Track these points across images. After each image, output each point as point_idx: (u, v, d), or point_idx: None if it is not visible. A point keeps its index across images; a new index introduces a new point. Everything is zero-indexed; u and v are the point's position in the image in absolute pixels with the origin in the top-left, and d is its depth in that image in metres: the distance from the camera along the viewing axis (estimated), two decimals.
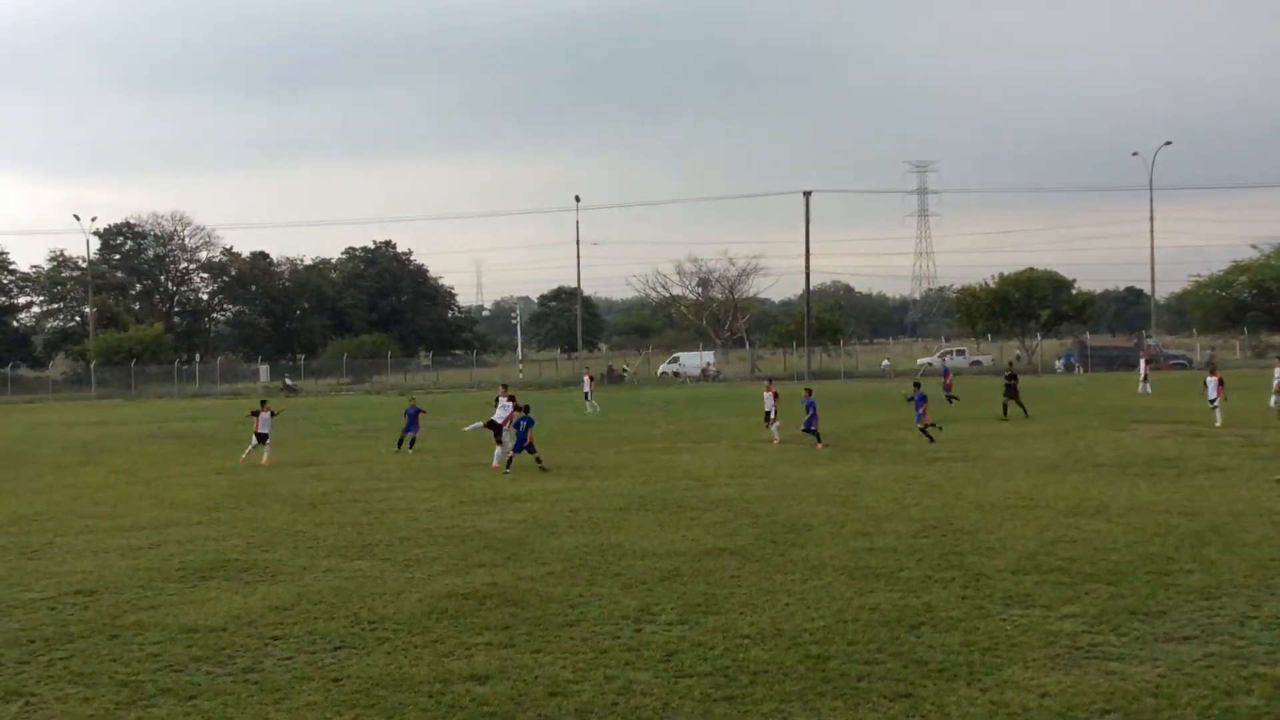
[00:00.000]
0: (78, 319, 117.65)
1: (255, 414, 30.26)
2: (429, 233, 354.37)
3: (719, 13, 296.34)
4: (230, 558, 16.01)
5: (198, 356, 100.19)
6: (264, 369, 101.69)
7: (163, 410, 65.03)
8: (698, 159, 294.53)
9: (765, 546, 15.67)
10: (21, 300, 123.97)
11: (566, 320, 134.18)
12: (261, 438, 30.15)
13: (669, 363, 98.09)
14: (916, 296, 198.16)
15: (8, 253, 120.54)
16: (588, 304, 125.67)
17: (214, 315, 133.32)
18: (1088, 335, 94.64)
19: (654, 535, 16.82)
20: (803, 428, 30.79)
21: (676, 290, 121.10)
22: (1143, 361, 53.63)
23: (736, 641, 10.79)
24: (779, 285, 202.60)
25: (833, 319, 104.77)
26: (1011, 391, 38.21)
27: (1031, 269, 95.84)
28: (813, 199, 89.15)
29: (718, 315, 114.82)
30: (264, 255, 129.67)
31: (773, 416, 32.06)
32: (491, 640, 11.10)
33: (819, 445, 29.54)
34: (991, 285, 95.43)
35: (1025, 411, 37.78)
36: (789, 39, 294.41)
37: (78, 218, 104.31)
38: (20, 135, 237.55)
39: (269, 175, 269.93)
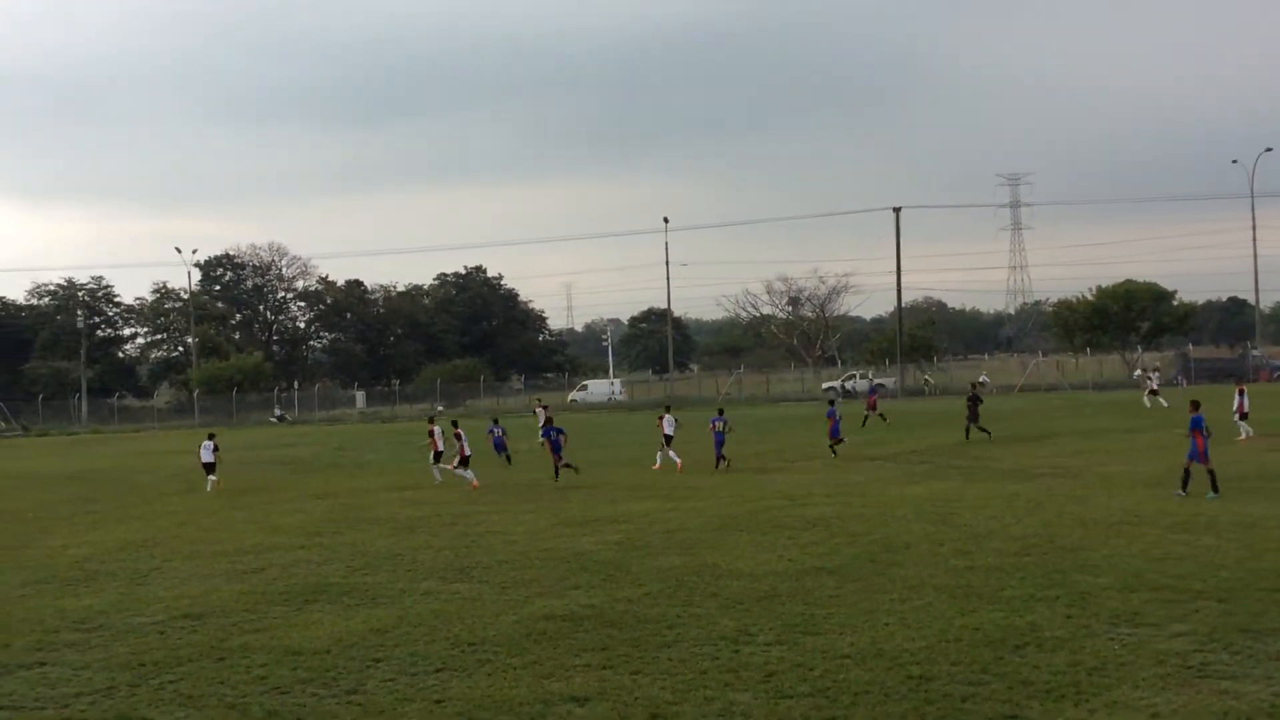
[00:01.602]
0: (180, 349, 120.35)
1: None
2: (519, 257, 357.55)
3: (805, 30, 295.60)
4: (331, 581, 16.23)
5: (296, 384, 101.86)
6: (360, 395, 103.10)
7: (263, 437, 66.22)
8: (786, 177, 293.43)
9: (863, 566, 15.53)
10: (127, 331, 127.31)
11: (657, 341, 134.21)
12: (209, 467, 32.11)
13: (577, 390, 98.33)
14: (1011, 311, 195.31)
15: (112, 285, 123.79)
16: (678, 325, 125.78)
17: (311, 343, 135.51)
18: (1190, 347, 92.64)
19: (750, 555, 16.75)
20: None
21: (767, 309, 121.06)
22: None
23: (837, 662, 10.70)
24: (870, 302, 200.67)
25: (925, 335, 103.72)
26: (974, 414, 37.02)
27: (1130, 280, 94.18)
28: (903, 214, 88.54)
29: (808, 334, 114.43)
30: (358, 283, 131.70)
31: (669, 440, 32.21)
32: (590, 662, 11.11)
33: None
34: (1089, 298, 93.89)
35: (989, 434, 36.20)
36: (876, 55, 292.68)
37: (179, 250, 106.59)
38: (119, 169, 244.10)
39: (361, 204, 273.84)
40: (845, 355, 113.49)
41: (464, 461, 29.18)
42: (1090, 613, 12.22)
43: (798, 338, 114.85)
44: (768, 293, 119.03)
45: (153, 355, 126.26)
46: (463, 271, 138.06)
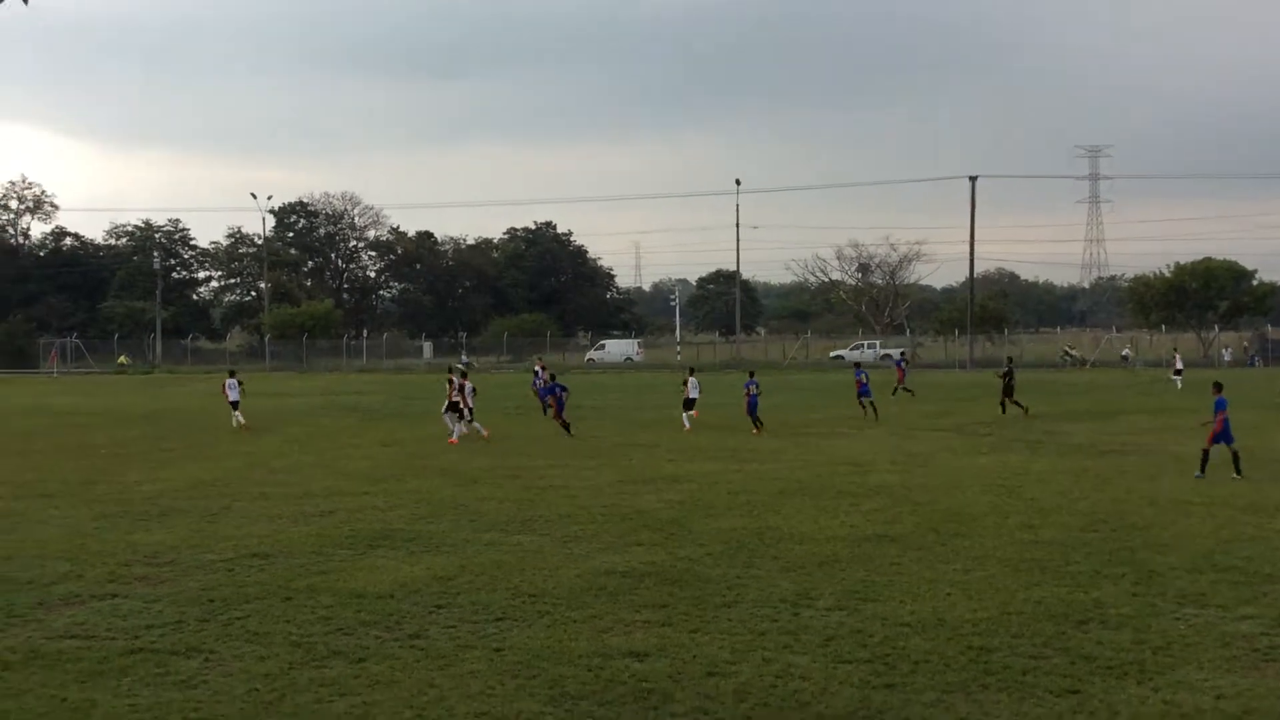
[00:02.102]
0: (253, 294, 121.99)
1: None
2: (589, 214, 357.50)
3: None
4: (396, 528, 16.43)
5: (365, 332, 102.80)
6: (427, 346, 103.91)
7: (332, 384, 67.03)
8: (860, 143, 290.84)
9: (926, 535, 15.44)
10: (201, 275, 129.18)
11: (725, 303, 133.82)
12: (234, 405, 34.46)
13: (595, 349, 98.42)
14: (1086, 285, 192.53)
15: (189, 229, 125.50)
16: (746, 288, 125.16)
17: (380, 292, 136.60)
18: (1269, 328, 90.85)
19: (812, 520, 16.72)
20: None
21: (836, 275, 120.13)
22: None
23: (897, 629, 10.66)
24: (942, 272, 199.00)
25: (997, 307, 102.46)
26: (1008, 389, 36.44)
27: (1209, 258, 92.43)
28: (979, 184, 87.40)
29: (877, 301, 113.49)
30: (429, 235, 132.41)
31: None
32: (650, 618, 11.17)
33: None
34: (1166, 274, 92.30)
35: (1024, 409, 35.65)
36: (956, 21, 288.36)
37: (254, 196, 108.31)
38: (199, 116, 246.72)
39: (434, 156, 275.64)
40: (914, 324, 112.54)
41: (468, 413, 29.42)
42: (1156, 591, 12.07)
43: (866, 304, 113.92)
44: (838, 258, 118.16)
45: (226, 299, 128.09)
46: (533, 227, 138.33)
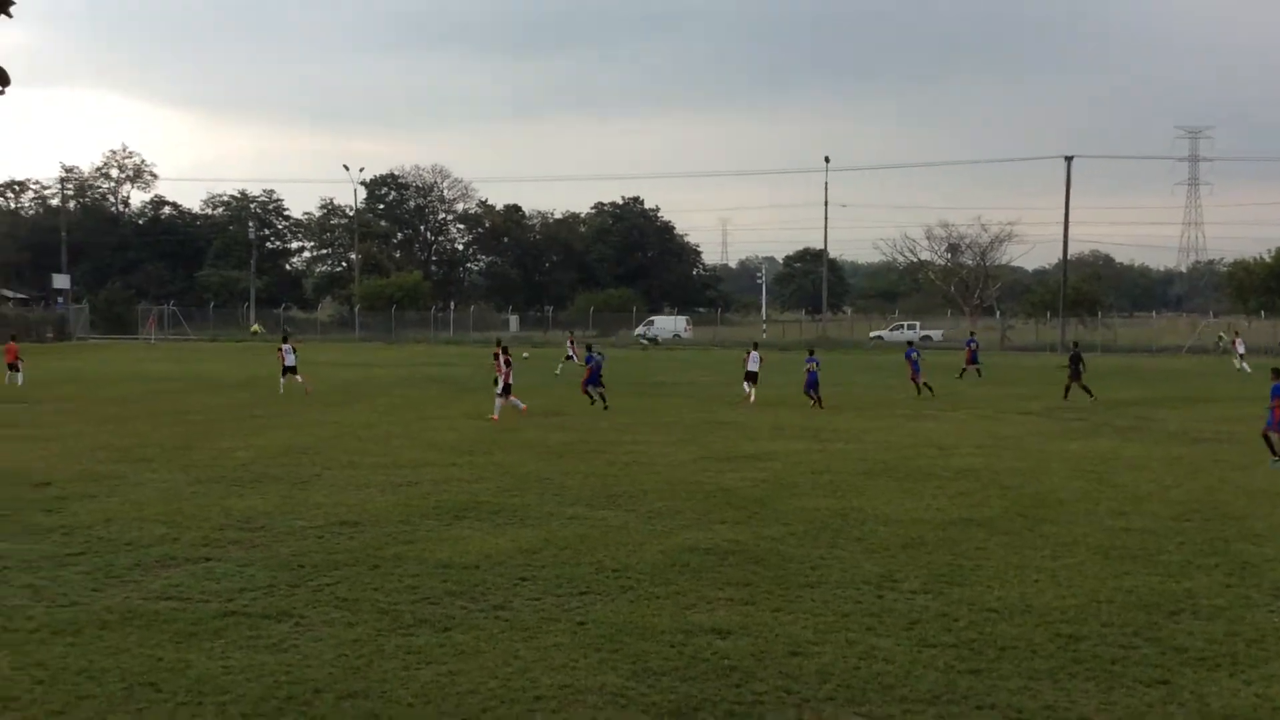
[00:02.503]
0: (344, 264, 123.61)
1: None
2: (677, 190, 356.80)
3: None
4: (481, 499, 16.59)
5: (452, 304, 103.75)
6: (514, 319, 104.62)
7: (419, 355, 67.78)
8: (952, 121, 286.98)
9: (1014, 520, 15.27)
10: (294, 245, 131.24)
11: (811, 282, 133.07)
12: (290, 369, 36.68)
13: (644, 325, 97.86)
14: (1183, 269, 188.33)
15: (282, 199, 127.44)
16: (833, 266, 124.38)
17: (468, 265, 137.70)
18: None
19: (897, 502, 16.61)
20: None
21: (925, 255, 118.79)
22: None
23: (983, 615, 10.57)
24: (1034, 253, 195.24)
25: (1091, 290, 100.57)
26: (1075, 373, 35.66)
27: None
28: (1075, 164, 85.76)
29: (967, 282, 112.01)
30: (516, 208, 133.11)
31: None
32: (733, 596, 11.18)
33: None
34: (1267, 259, 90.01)
35: (1090, 394, 34.83)
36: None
37: (346, 168, 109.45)
38: (294, 87, 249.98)
39: (523, 131, 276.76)
40: (1004, 305, 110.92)
41: (506, 389, 29.21)
42: (1251, 583, 11.83)
43: (955, 285, 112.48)
44: (927, 238, 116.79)
45: (318, 269, 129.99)
46: (620, 202, 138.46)
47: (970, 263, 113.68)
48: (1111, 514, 15.72)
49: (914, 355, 37.99)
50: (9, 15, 4.11)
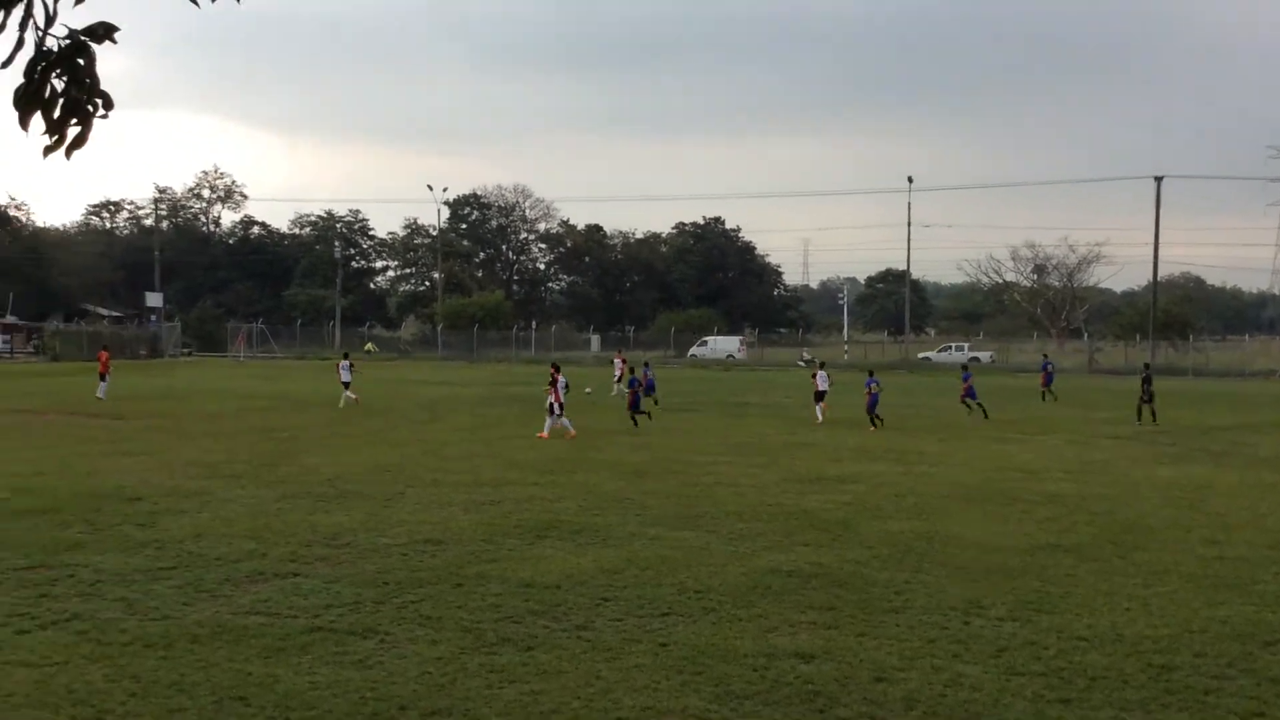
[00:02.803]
0: (427, 283, 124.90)
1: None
2: (758, 210, 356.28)
3: None
4: (563, 519, 16.64)
5: (534, 324, 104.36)
6: (595, 338, 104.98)
7: (500, 374, 68.24)
8: (1038, 141, 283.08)
9: (1103, 547, 14.99)
10: (379, 264, 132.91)
11: (894, 303, 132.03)
12: (346, 385, 38.29)
13: (697, 345, 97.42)
14: (1276, 291, 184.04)
15: (368, 219, 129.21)
16: (916, 287, 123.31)
17: (550, 284, 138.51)
18: None
19: (982, 526, 16.39)
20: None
21: (1010, 276, 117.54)
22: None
23: (1072, 643, 10.39)
24: (1122, 274, 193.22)
25: (1181, 312, 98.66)
26: (1147, 394, 34.91)
27: None
28: (1165, 184, 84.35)
29: (1053, 304, 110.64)
30: (598, 228, 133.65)
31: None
32: (815, 620, 11.10)
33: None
34: None
35: (1155, 419, 34.23)
36: (1137, 14, 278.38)
37: (430, 188, 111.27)
38: (377, 108, 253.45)
39: (604, 150, 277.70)
40: (1091, 328, 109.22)
41: (558, 408, 29.16)
42: None
43: (1042, 307, 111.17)
44: (1013, 259, 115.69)
45: (401, 288, 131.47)
46: (701, 222, 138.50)
47: (1057, 284, 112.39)
48: (1204, 542, 15.39)
49: (968, 378, 38.17)
50: (114, 41, 4.21)
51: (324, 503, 17.89)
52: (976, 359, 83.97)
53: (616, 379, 46.95)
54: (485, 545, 14.63)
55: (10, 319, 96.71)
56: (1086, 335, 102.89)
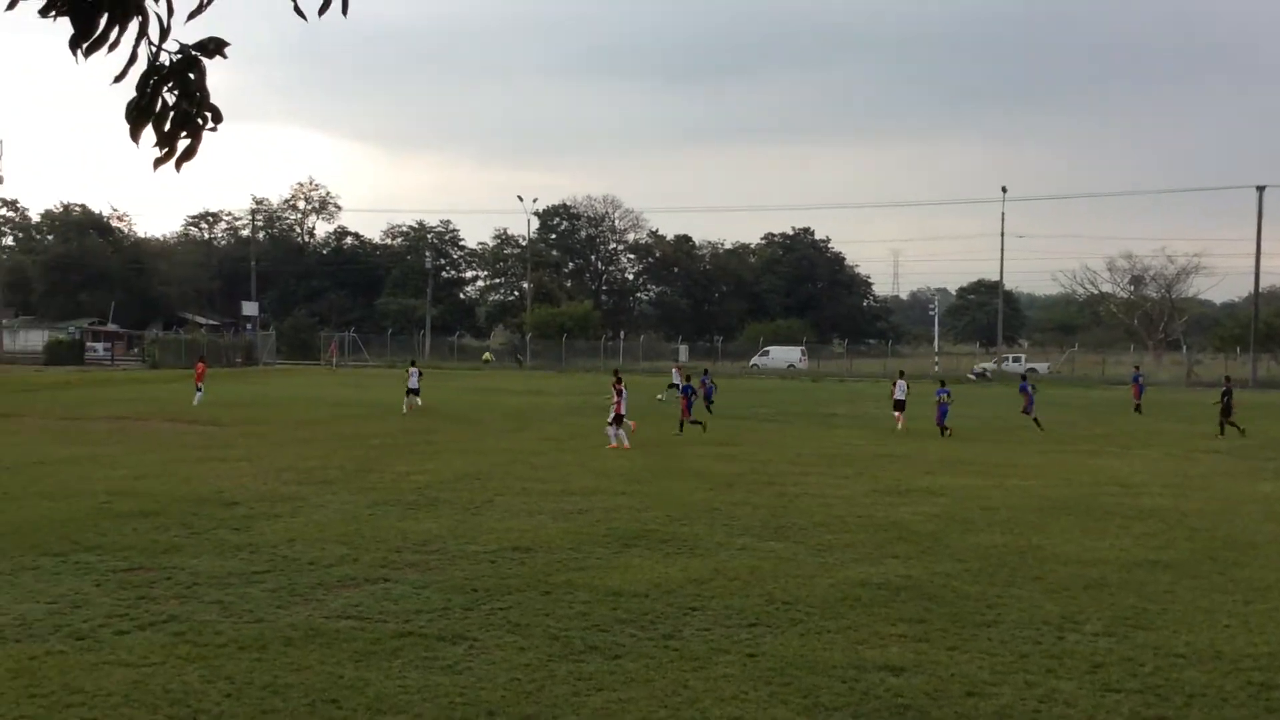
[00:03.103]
0: (516, 293, 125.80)
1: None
2: (847, 221, 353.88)
3: None
4: (651, 528, 16.65)
5: (622, 334, 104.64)
6: (684, 349, 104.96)
7: (588, 384, 68.45)
8: (1135, 150, 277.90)
9: (1203, 563, 14.65)
10: (469, 274, 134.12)
11: (985, 314, 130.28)
12: (413, 392, 40.92)
13: (759, 355, 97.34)
14: None
15: (458, 229, 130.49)
16: (1009, 298, 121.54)
17: (638, 295, 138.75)
18: None
19: (1077, 541, 16.10)
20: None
21: (1106, 287, 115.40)
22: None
23: (1169, 660, 10.16)
24: (1222, 286, 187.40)
25: None
26: (1227, 408, 34.74)
27: None
28: (1267, 194, 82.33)
29: (1151, 315, 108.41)
30: (687, 238, 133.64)
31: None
32: (905, 633, 10.98)
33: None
34: None
35: (1240, 429, 34.18)
36: (1240, 18, 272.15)
37: (520, 199, 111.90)
38: (469, 119, 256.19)
39: (693, 160, 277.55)
40: (1190, 340, 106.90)
41: (617, 419, 29.09)
42: None
43: (1139, 319, 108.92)
44: (1109, 270, 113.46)
45: (491, 298, 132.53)
46: (790, 232, 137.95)
47: (1154, 295, 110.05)
48: None
49: (1028, 388, 37.93)
50: (224, 56, 4.30)
51: (414, 510, 18.09)
52: (1034, 370, 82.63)
53: (669, 386, 47.10)
54: (573, 553, 14.68)
55: (112, 327, 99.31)
56: (1185, 348, 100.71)
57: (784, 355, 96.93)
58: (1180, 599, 12.58)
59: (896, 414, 35.40)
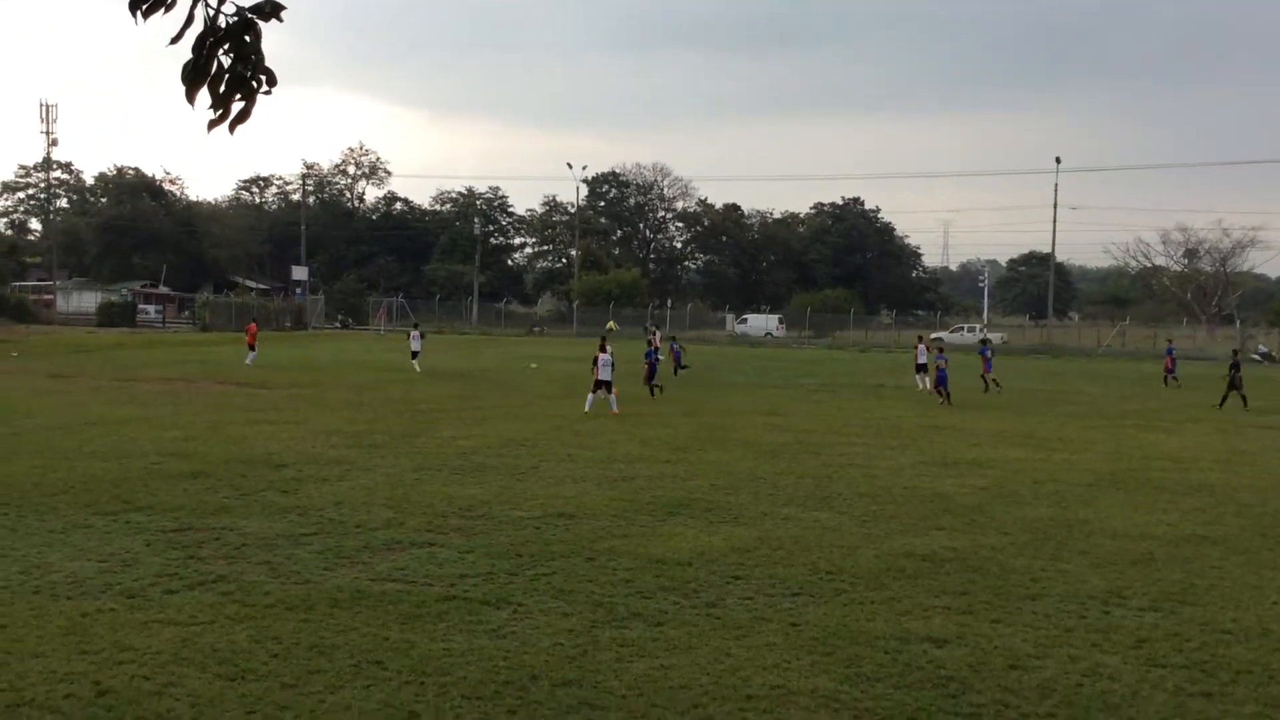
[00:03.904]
0: (564, 260, 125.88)
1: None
2: (897, 191, 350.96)
3: None
4: (695, 497, 16.67)
5: (669, 302, 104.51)
6: (730, 318, 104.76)
7: (634, 351, 68.41)
8: (1191, 120, 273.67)
9: (1253, 539, 14.49)
10: (517, 241, 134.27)
11: (1036, 286, 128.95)
12: (415, 354, 42.99)
13: (738, 322, 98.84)
14: None
15: (507, 196, 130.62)
16: (1060, 270, 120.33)
17: (686, 263, 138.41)
18: None
19: (1125, 515, 15.96)
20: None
21: (1159, 260, 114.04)
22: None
23: (1216, 636, 10.08)
24: (1278, 260, 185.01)
25: None
26: (1234, 381, 34.90)
27: None
28: None
29: (1205, 289, 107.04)
30: (735, 207, 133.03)
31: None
32: (949, 605, 10.95)
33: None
34: None
35: (1244, 401, 34.48)
36: None
37: (570, 166, 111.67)
38: (520, 88, 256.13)
39: (743, 129, 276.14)
40: (1244, 314, 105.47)
41: (596, 385, 29.26)
42: None
43: (1192, 292, 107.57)
44: (1163, 242, 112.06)
45: (539, 265, 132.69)
46: (839, 202, 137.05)
47: (1209, 269, 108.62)
48: None
49: (987, 353, 40.11)
50: (280, 20, 4.31)
51: (459, 475, 18.20)
52: (989, 340, 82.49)
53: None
54: (617, 521, 14.73)
55: (164, 289, 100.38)
56: (1239, 322, 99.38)
57: (762, 324, 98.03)
58: (1228, 575, 12.46)
59: (919, 376, 38.05)
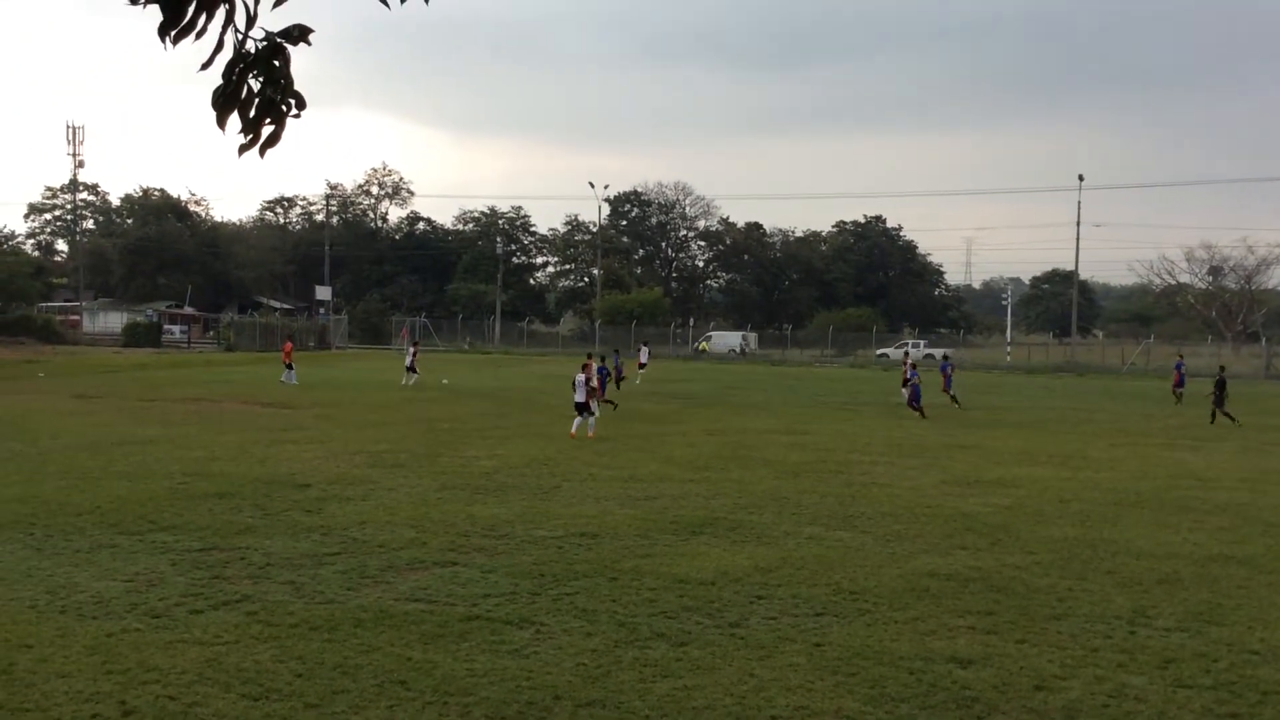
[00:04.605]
0: (586, 279, 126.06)
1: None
2: (919, 209, 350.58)
3: None
4: (718, 516, 16.65)
5: (691, 321, 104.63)
6: (753, 336, 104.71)
7: (657, 370, 68.50)
8: (1215, 136, 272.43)
9: (1279, 559, 14.38)
10: (539, 260, 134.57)
11: (1060, 304, 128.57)
12: (410, 369, 45.31)
13: (703, 339, 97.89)
14: None
15: (529, 215, 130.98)
16: (1084, 288, 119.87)
17: (708, 282, 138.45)
18: None
19: (1150, 535, 15.88)
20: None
21: (1184, 278, 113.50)
22: None
23: (1243, 656, 10.01)
24: None
25: None
26: (1219, 398, 35.02)
27: None
28: None
29: (1230, 307, 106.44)
30: (757, 225, 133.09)
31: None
32: (974, 625, 10.90)
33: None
34: None
35: (1234, 420, 34.52)
36: None
37: (592, 185, 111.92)
38: (541, 106, 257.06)
39: (764, 148, 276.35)
40: (1269, 332, 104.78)
41: (593, 404, 28.46)
42: None
43: (1217, 310, 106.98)
44: (1187, 260, 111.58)
45: (560, 284, 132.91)
46: (862, 220, 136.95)
47: (1234, 286, 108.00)
48: None
49: (948, 369, 41.26)
50: (309, 44, 4.36)
51: (482, 494, 18.23)
52: (931, 356, 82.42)
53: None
54: (640, 540, 14.72)
55: (189, 310, 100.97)
56: (1264, 340, 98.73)
57: (726, 340, 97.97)
58: (1255, 595, 12.38)
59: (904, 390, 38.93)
